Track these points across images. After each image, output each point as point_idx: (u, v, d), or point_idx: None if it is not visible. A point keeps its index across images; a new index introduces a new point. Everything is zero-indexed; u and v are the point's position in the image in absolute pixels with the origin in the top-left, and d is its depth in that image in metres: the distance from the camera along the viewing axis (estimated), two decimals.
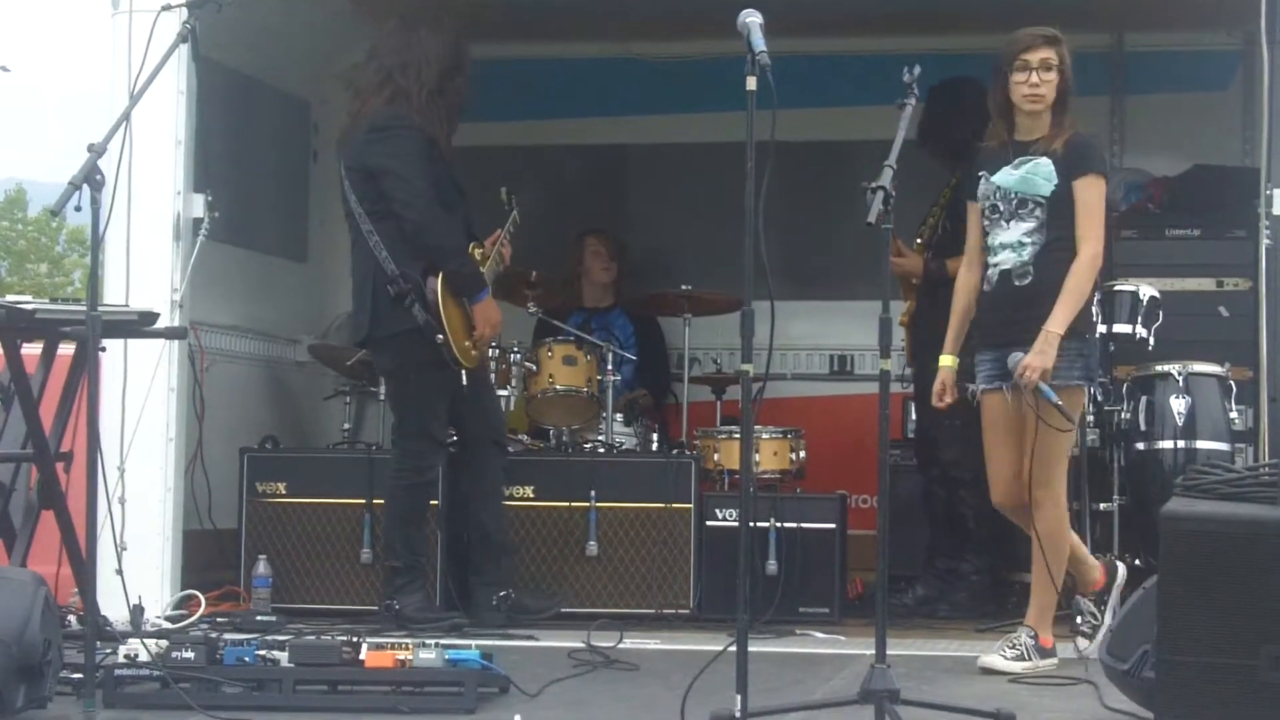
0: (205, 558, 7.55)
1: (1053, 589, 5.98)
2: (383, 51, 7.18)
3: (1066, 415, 5.82)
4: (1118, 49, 9.22)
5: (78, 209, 4.96)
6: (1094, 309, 6.16)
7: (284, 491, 7.65)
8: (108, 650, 5.30)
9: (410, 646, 5.17)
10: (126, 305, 6.73)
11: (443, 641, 5.36)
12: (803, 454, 7.72)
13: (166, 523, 7.11)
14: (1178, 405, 7.44)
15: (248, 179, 8.42)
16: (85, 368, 5.38)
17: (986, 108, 6.14)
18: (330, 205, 9.01)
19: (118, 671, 5.10)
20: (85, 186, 4.96)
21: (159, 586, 7.01)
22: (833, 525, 7.51)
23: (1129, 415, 7.51)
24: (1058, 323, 5.80)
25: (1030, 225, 5.91)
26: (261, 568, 7.39)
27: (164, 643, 5.19)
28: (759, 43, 4.75)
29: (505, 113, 8.23)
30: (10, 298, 6.08)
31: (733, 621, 4.69)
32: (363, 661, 5.13)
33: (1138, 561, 7.36)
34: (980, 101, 6.30)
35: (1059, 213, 5.89)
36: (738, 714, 4.56)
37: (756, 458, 7.50)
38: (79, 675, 4.97)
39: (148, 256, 7.15)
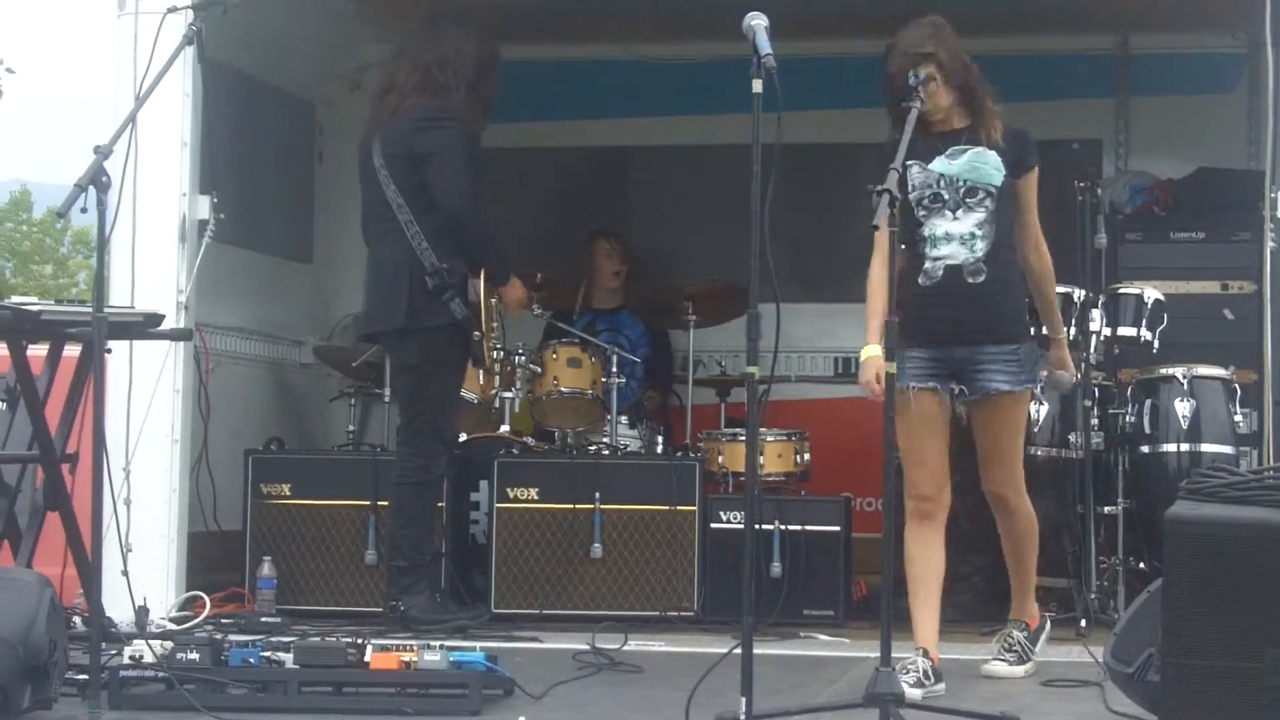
0: (210, 559, 7.55)
1: (1030, 574, 6.05)
2: (415, 49, 7.19)
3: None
4: (1123, 51, 9.23)
5: (83, 210, 4.97)
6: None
7: (289, 493, 7.66)
8: (113, 651, 5.30)
9: (415, 648, 5.17)
10: (132, 307, 6.73)
11: (447, 643, 5.36)
12: (807, 456, 7.73)
13: (171, 524, 7.12)
14: (1182, 408, 7.43)
15: (253, 181, 8.42)
16: (91, 369, 5.40)
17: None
18: (335, 206, 9.05)
19: (123, 673, 5.10)
20: (91, 188, 4.96)
21: (164, 588, 7.02)
22: (837, 528, 7.51)
23: (1133, 418, 7.51)
24: (1061, 329, 6.08)
25: (981, 216, 5.66)
26: (266, 569, 7.39)
27: (169, 644, 5.19)
28: (764, 46, 4.75)
29: (509, 114, 8.22)
30: (15, 299, 6.09)
31: (737, 624, 4.70)
32: (367, 663, 5.13)
33: (1142, 565, 7.37)
34: None
35: (1004, 205, 5.70)
36: (742, 716, 4.56)
37: (761, 460, 7.51)
38: (84, 676, 4.97)
39: (153, 258, 7.15)
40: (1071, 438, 7.48)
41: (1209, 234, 8.38)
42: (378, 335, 7.36)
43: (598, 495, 7.53)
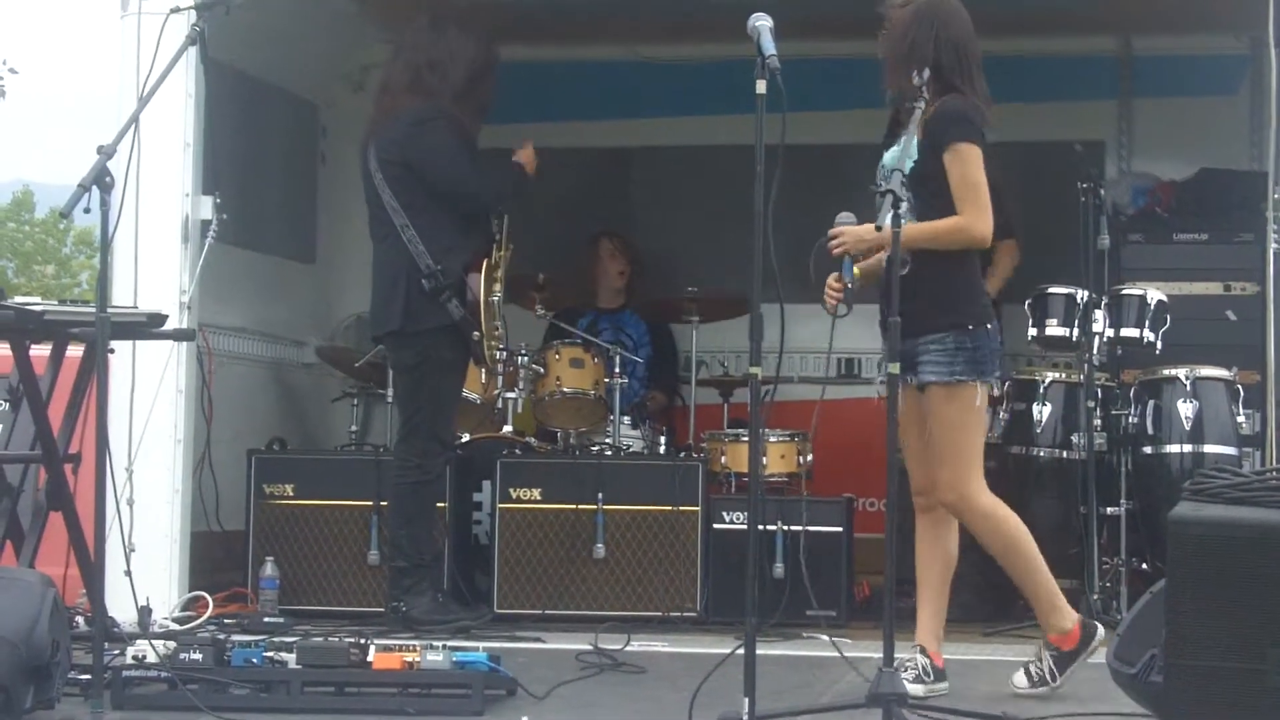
0: (213, 559, 7.56)
1: (1029, 584, 5.68)
2: (410, 48, 7.21)
3: (848, 297, 5.52)
4: (1126, 53, 9.23)
5: (87, 211, 4.98)
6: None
7: (291, 493, 7.66)
8: (115, 651, 5.30)
9: (417, 648, 5.18)
10: (135, 307, 6.73)
11: (450, 644, 5.36)
12: (809, 457, 7.73)
13: (174, 524, 7.12)
14: (1185, 409, 7.43)
15: (256, 181, 8.43)
16: (94, 369, 5.39)
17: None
18: (338, 207, 9.05)
19: (125, 673, 5.11)
20: (94, 188, 4.97)
21: (167, 588, 7.02)
22: (839, 528, 7.52)
23: (1136, 419, 7.51)
24: (907, 229, 5.21)
25: (902, 207, 5.27)
26: (269, 569, 7.40)
27: (172, 644, 5.20)
28: (769, 47, 4.76)
29: (512, 115, 8.23)
30: (18, 299, 6.09)
31: (740, 624, 4.70)
32: (370, 663, 5.14)
33: (1145, 565, 7.37)
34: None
35: (931, 191, 5.49)
36: (745, 717, 4.57)
37: (764, 461, 7.50)
38: (87, 676, 4.97)
39: (156, 258, 7.16)
40: (1074, 438, 7.49)
41: (1212, 235, 8.37)
42: (380, 336, 7.38)
43: (600, 496, 7.53)
